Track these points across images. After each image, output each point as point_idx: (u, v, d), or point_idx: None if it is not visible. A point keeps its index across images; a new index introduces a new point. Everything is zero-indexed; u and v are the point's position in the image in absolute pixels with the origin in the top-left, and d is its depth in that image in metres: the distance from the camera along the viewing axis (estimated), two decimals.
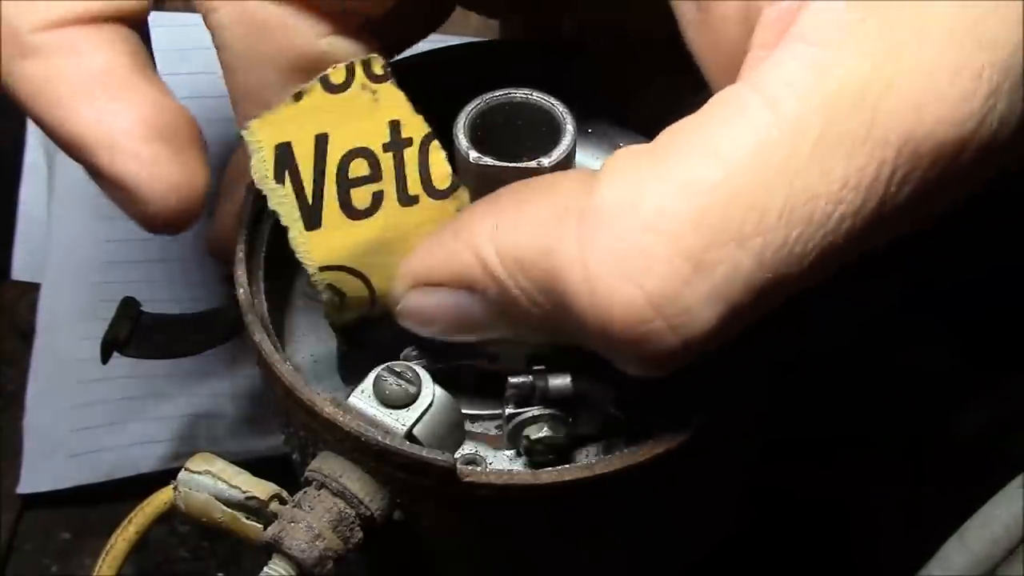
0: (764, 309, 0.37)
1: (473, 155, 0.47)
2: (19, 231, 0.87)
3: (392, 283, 0.45)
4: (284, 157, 0.42)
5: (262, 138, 0.42)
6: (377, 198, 0.43)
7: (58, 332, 0.82)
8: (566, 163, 0.47)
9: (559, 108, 0.48)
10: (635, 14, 0.41)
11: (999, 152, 0.35)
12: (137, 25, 0.47)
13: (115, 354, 0.60)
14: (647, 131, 0.55)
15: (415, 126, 0.44)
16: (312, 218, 0.43)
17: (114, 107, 0.45)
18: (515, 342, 0.44)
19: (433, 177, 0.44)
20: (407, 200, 0.44)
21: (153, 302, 0.61)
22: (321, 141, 0.42)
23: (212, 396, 0.80)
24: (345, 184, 0.43)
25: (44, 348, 0.82)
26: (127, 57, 0.45)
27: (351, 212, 0.43)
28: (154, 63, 0.47)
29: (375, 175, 0.43)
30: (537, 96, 0.48)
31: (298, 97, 0.42)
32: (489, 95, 0.49)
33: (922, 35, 0.34)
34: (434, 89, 0.49)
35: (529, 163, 0.47)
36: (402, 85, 0.44)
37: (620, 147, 0.56)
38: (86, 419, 0.79)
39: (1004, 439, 0.63)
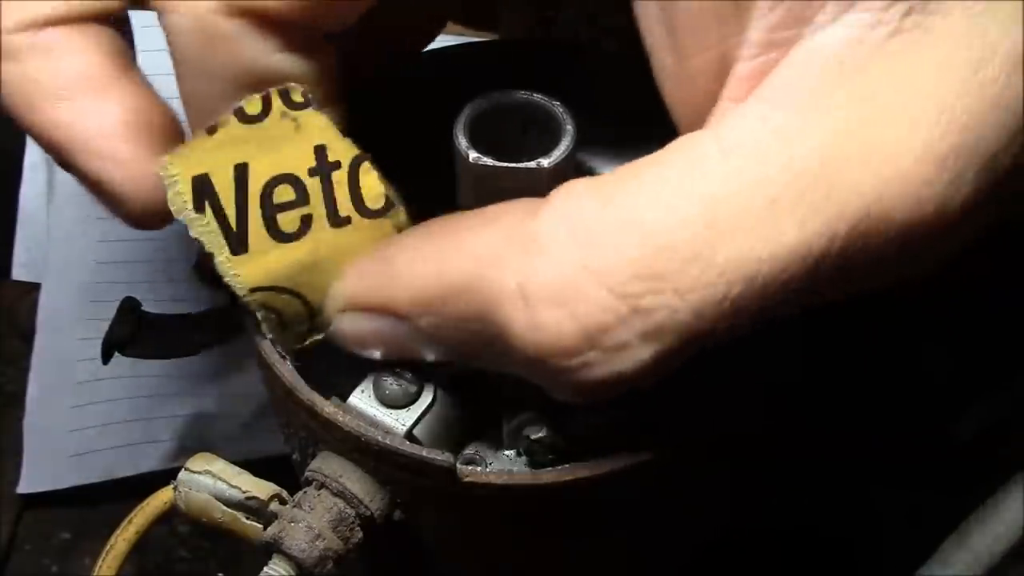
0: (704, 349, 0.37)
1: (472, 155, 0.47)
2: (19, 231, 0.87)
3: (325, 304, 0.45)
4: (202, 188, 0.42)
5: (177, 172, 0.42)
6: (306, 221, 0.43)
7: (58, 332, 0.82)
8: (566, 163, 0.47)
9: (559, 108, 0.48)
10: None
11: (957, 233, 0.35)
12: (117, 23, 0.46)
13: (115, 354, 0.60)
14: (648, 131, 0.55)
15: (342, 150, 0.43)
16: (237, 243, 0.43)
17: (90, 108, 0.45)
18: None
19: (365, 197, 0.44)
20: (338, 221, 0.44)
21: (153, 302, 0.61)
22: (241, 170, 0.42)
23: (212, 396, 0.80)
24: (270, 209, 0.43)
25: (44, 348, 0.81)
26: (104, 57, 0.45)
27: (278, 235, 0.43)
28: (135, 61, 0.47)
29: (302, 199, 0.43)
30: (537, 96, 0.48)
31: (212, 130, 0.42)
32: (489, 95, 0.49)
33: (892, 112, 0.34)
34: (434, 89, 0.49)
35: (529, 163, 0.46)
36: (405, 88, 0.44)
37: (621, 148, 0.56)
38: (86, 419, 0.79)
39: (1005, 440, 0.63)
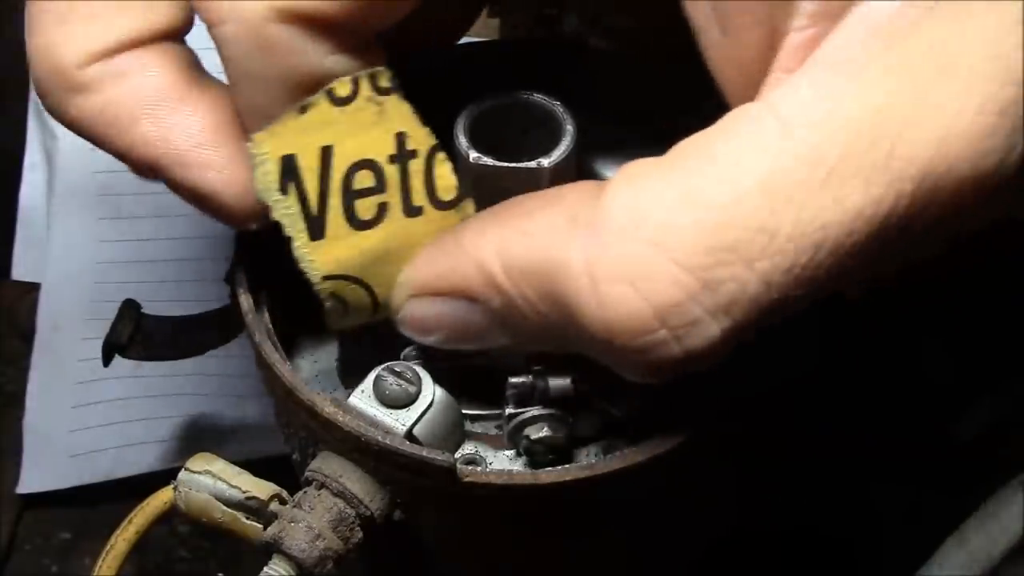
0: (771, 324, 0.37)
1: (473, 155, 0.47)
2: (19, 231, 0.87)
3: (393, 291, 0.45)
4: (288, 169, 0.42)
5: (267, 150, 0.42)
6: (382, 209, 0.43)
7: (58, 332, 0.82)
8: (566, 163, 0.47)
9: (559, 108, 0.48)
10: (648, 20, 0.41)
11: (1012, 189, 0.35)
12: (181, 38, 0.47)
13: (116, 355, 0.60)
14: (648, 131, 0.55)
15: (420, 138, 0.44)
16: (316, 228, 0.43)
17: (175, 122, 0.45)
18: (513, 351, 0.44)
19: (438, 188, 0.44)
20: (412, 211, 0.44)
21: (153, 302, 0.61)
22: (326, 153, 0.42)
23: (212, 396, 0.80)
24: (350, 195, 0.43)
25: (44, 348, 0.82)
26: (178, 72, 0.45)
27: (355, 223, 0.43)
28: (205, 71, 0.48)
29: (380, 186, 0.43)
30: (537, 96, 0.48)
31: (303, 110, 0.42)
32: (489, 95, 0.49)
33: (947, 68, 0.34)
34: (434, 89, 0.49)
35: (529, 163, 0.47)
36: (406, 88, 0.44)
37: (621, 148, 0.57)
38: (86, 419, 0.79)
39: (1005, 440, 0.63)
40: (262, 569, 0.44)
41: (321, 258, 0.44)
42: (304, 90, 0.42)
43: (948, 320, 0.65)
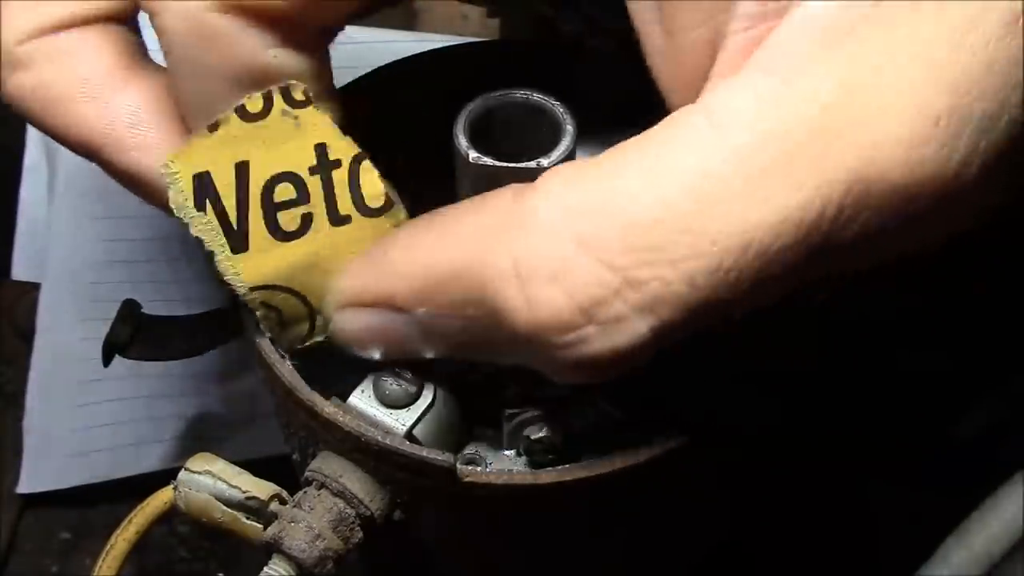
0: (705, 325, 0.37)
1: (473, 155, 0.47)
2: (19, 231, 0.87)
3: (324, 303, 0.45)
4: (203, 186, 0.42)
5: (179, 169, 0.42)
6: (306, 219, 0.43)
7: (58, 332, 0.82)
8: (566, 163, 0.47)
9: (559, 108, 0.48)
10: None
11: (957, 202, 0.35)
12: (126, 22, 0.47)
13: (116, 355, 0.61)
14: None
15: (342, 148, 0.43)
16: (238, 243, 0.43)
17: (113, 103, 0.45)
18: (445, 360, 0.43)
19: (365, 196, 0.44)
20: (338, 220, 0.44)
21: (154, 302, 0.61)
22: (242, 168, 0.43)
23: (212, 396, 0.80)
24: (271, 208, 0.43)
25: (44, 348, 0.82)
26: (119, 54, 0.45)
27: (279, 234, 0.43)
28: (148, 55, 0.47)
29: (303, 198, 0.43)
30: (537, 96, 0.48)
31: (214, 128, 0.42)
32: (489, 95, 0.49)
33: (883, 75, 0.34)
34: (434, 89, 0.49)
35: (529, 163, 0.47)
36: (404, 87, 0.44)
37: None
38: (86, 419, 0.80)
39: (1005, 440, 0.63)
40: (262, 569, 0.44)
41: (245, 270, 0.44)
42: (246, 84, 0.41)
43: (948, 321, 0.65)
